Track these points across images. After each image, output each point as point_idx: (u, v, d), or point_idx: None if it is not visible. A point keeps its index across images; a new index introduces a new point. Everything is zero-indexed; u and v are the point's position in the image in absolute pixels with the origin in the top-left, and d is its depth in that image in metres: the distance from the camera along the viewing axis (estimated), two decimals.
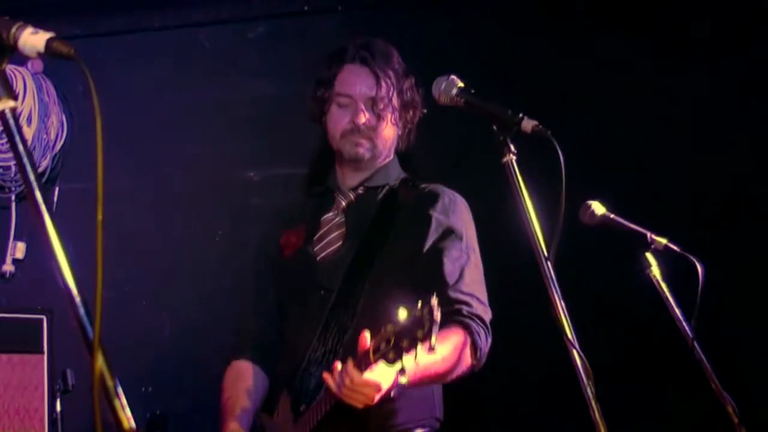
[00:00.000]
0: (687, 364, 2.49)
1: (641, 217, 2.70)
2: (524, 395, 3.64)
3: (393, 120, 2.74)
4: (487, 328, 2.56)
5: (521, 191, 2.09)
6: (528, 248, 2.06)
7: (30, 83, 4.24)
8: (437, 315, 2.00)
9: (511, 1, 3.93)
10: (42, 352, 3.65)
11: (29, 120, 4.21)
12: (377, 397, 2.27)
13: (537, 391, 3.60)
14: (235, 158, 4.22)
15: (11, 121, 1.41)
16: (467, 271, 2.60)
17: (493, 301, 2.63)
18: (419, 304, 2.04)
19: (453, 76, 2.28)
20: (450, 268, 2.58)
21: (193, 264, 4.14)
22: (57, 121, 4.32)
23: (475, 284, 2.61)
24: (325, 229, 2.75)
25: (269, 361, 2.75)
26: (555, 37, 3.81)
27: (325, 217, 2.78)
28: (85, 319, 1.32)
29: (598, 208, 2.72)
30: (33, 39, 1.43)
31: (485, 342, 2.54)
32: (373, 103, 2.71)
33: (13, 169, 4.17)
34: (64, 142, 4.35)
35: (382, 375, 2.23)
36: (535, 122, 2.10)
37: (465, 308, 2.53)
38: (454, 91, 2.26)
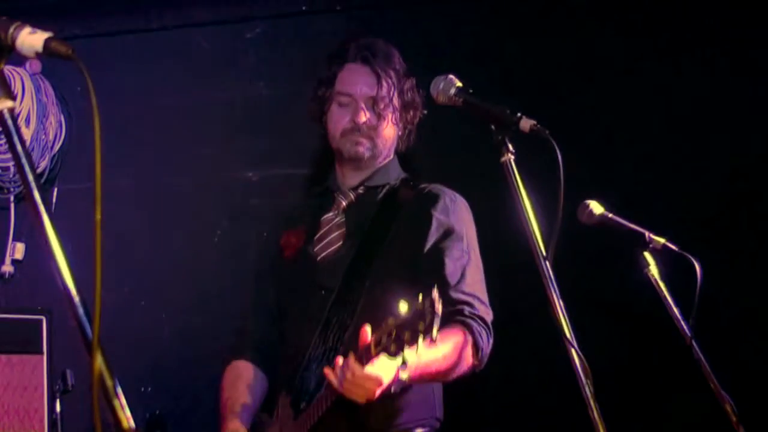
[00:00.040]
0: (685, 363, 2.49)
1: (639, 217, 2.71)
2: (524, 395, 3.64)
3: (393, 120, 2.74)
4: (488, 328, 2.57)
5: (519, 191, 2.09)
6: (527, 248, 2.06)
7: (28, 84, 4.23)
8: (438, 307, 2.00)
9: (511, 1, 3.93)
10: (41, 353, 3.65)
11: (28, 121, 4.21)
12: (378, 392, 2.27)
13: (536, 391, 3.59)
14: (234, 158, 4.22)
15: (9, 122, 1.41)
16: (469, 271, 2.61)
17: (492, 300, 2.63)
18: (420, 297, 2.04)
19: (451, 76, 2.29)
20: (451, 269, 2.58)
21: (192, 264, 4.14)
22: (55, 121, 4.32)
23: (476, 285, 2.62)
24: (325, 229, 2.76)
25: (269, 362, 2.75)
26: (555, 37, 3.81)
27: (325, 217, 2.78)
28: (84, 319, 1.32)
29: (596, 207, 2.72)
30: (31, 39, 1.43)
31: (487, 343, 2.55)
32: (373, 103, 2.71)
33: (12, 169, 4.16)
34: (63, 143, 4.34)
35: (383, 369, 2.23)
36: (533, 121, 2.10)
37: (467, 309, 2.54)
38: (452, 90, 2.27)
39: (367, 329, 2.22)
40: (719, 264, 2.83)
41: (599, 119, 3.71)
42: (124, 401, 1.29)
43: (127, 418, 1.28)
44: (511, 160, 2.12)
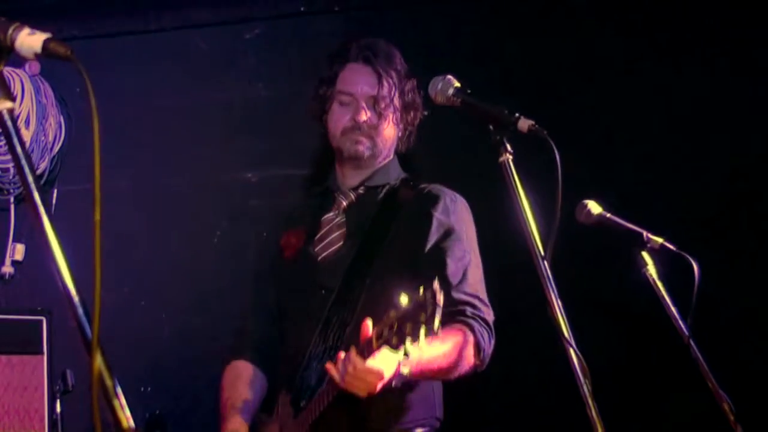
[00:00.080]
0: (683, 362, 2.50)
1: (638, 217, 2.71)
2: (522, 395, 3.65)
3: (394, 120, 2.74)
4: (490, 329, 2.57)
5: (518, 191, 2.09)
6: (525, 248, 2.06)
7: (28, 85, 4.24)
8: (440, 298, 1.99)
9: (511, 1, 3.93)
10: (42, 353, 3.66)
11: (27, 122, 4.22)
12: (380, 385, 2.27)
13: (535, 391, 3.60)
14: (233, 159, 4.22)
15: (9, 123, 1.41)
16: (470, 271, 2.61)
17: (491, 300, 2.63)
18: (421, 290, 2.04)
19: (449, 76, 2.29)
20: (453, 269, 2.58)
21: (192, 265, 4.14)
22: (55, 123, 4.32)
23: (477, 285, 2.62)
24: (325, 229, 2.75)
25: (269, 362, 2.75)
26: (555, 37, 3.81)
27: (325, 217, 2.78)
28: (84, 319, 1.33)
29: (594, 207, 2.72)
30: (30, 40, 1.43)
31: (488, 343, 2.55)
32: (374, 102, 2.71)
33: (12, 171, 4.17)
34: (63, 144, 4.35)
35: (384, 362, 2.23)
36: (531, 122, 2.10)
37: (469, 309, 2.54)
38: (451, 91, 2.26)
39: (369, 323, 2.22)
40: (717, 264, 2.83)
41: (599, 119, 3.71)
42: (123, 401, 1.29)
43: (126, 418, 1.28)
44: (510, 160, 2.12)
